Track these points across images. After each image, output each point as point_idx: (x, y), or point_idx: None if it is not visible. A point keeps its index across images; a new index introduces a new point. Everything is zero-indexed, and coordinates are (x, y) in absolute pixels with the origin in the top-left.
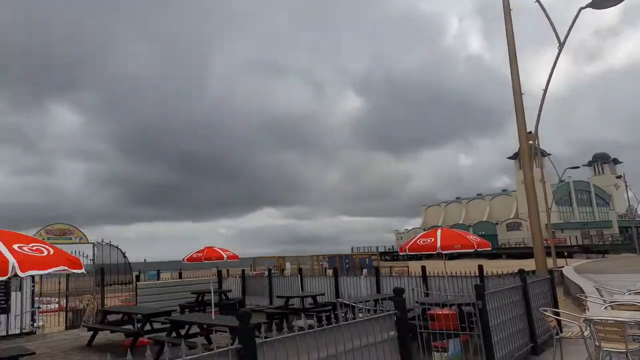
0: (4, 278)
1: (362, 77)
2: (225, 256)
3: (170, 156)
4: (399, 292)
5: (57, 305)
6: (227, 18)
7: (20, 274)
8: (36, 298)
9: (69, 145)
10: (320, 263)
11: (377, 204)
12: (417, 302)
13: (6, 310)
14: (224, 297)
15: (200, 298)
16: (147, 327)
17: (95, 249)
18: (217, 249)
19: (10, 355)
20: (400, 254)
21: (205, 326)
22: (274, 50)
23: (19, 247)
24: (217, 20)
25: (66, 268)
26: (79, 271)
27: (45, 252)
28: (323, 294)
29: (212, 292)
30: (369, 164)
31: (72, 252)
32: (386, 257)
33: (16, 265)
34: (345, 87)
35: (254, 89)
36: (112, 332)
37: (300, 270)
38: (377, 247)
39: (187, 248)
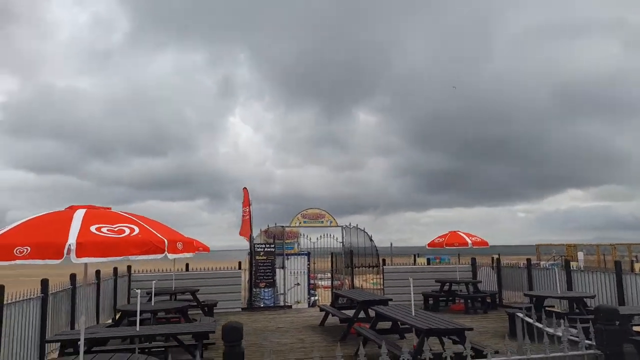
0: (57, 261)
1: None
2: (470, 242)
3: (458, 142)
4: (607, 314)
5: (329, 282)
6: None
7: (74, 260)
8: (313, 275)
9: (371, 143)
10: (635, 255)
11: None
12: None
13: (272, 285)
14: (472, 289)
15: (446, 287)
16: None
17: (344, 232)
18: (462, 234)
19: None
20: None
21: (399, 324)
22: (568, 8)
23: (97, 228)
24: None
25: (136, 256)
26: (159, 256)
27: (126, 233)
28: (594, 296)
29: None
30: None
31: (322, 235)
32: None
33: (73, 248)
34: None
35: (545, 56)
36: (333, 315)
37: (567, 262)
38: None
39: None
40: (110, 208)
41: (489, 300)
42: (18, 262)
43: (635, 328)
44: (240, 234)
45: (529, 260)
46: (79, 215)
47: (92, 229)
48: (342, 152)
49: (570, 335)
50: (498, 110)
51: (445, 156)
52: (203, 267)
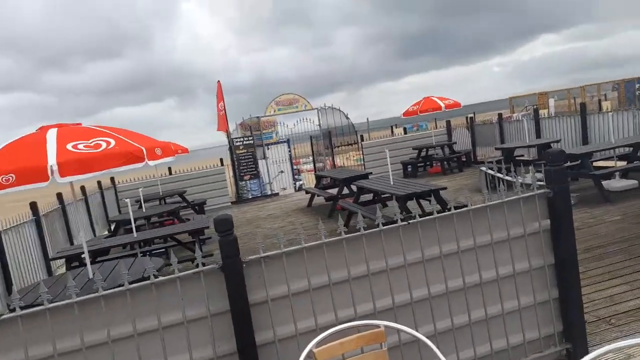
0: (45, 184)
1: None
2: (443, 105)
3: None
4: (554, 156)
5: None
6: None
7: (59, 180)
8: (295, 161)
9: (336, 14)
10: (604, 94)
11: None
12: None
13: (257, 176)
14: (447, 151)
15: (423, 153)
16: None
17: (320, 114)
18: (435, 99)
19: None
20: None
21: (380, 194)
22: None
23: (73, 145)
24: None
25: (118, 168)
26: (140, 164)
27: (103, 147)
28: (559, 141)
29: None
30: None
31: (298, 120)
32: None
33: (55, 168)
34: None
35: None
36: (318, 195)
37: (535, 111)
38: None
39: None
40: (80, 124)
41: (464, 159)
42: (7, 190)
43: (597, 163)
44: (218, 129)
45: (499, 115)
46: (51, 135)
47: (69, 147)
48: (307, 28)
49: (536, 180)
50: None
51: (417, 17)
52: (186, 169)
